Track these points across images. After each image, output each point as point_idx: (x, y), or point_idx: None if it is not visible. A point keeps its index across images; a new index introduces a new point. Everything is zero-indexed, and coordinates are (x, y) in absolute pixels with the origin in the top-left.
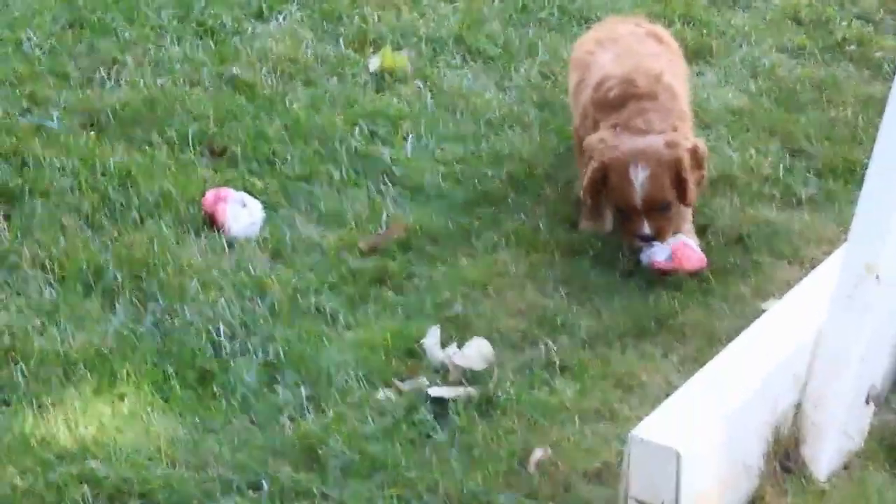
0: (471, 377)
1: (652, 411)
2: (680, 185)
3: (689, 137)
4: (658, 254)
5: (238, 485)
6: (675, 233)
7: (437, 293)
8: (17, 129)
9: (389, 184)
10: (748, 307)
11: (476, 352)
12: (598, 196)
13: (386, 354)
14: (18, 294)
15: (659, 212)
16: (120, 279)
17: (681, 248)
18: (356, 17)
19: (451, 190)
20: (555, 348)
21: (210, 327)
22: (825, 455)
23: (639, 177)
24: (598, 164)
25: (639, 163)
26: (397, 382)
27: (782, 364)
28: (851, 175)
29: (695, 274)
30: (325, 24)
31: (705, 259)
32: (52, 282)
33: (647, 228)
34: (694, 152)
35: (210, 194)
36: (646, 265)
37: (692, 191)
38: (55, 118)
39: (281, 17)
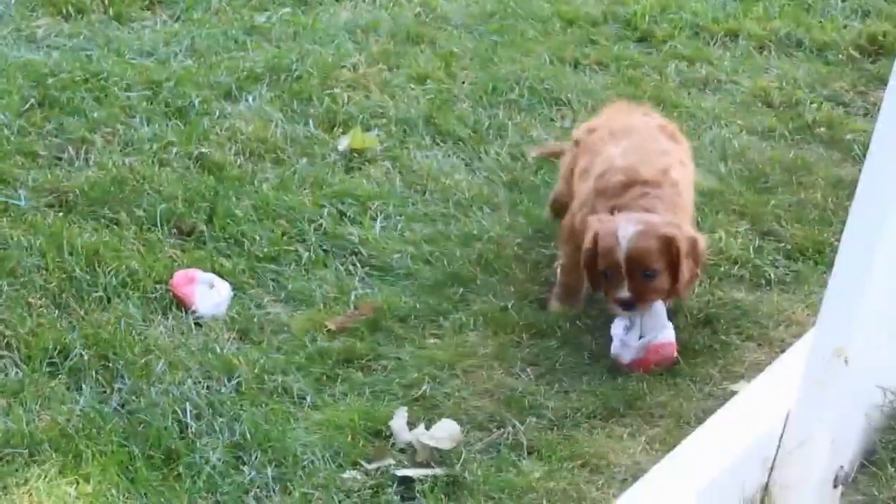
0: (438, 458)
1: (620, 493)
2: (673, 266)
3: (690, 229)
4: (625, 354)
5: None
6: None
7: (404, 374)
8: None
9: (358, 264)
10: (717, 389)
11: (444, 432)
12: (587, 270)
13: (353, 435)
14: None
15: (643, 277)
16: (86, 359)
17: (649, 354)
18: (326, 97)
19: (419, 270)
20: (522, 429)
21: (176, 407)
22: None
23: (627, 233)
24: (592, 234)
25: (630, 224)
26: (364, 463)
27: (751, 447)
28: (821, 256)
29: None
30: (294, 104)
31: (675, 353)
32: (18, 361)
33: (625, 291)
34: (694, 243)
35: (178, 275)
36: (613, 356)
37: (685, 279)
38: (22, 197)
39: (251, 98)
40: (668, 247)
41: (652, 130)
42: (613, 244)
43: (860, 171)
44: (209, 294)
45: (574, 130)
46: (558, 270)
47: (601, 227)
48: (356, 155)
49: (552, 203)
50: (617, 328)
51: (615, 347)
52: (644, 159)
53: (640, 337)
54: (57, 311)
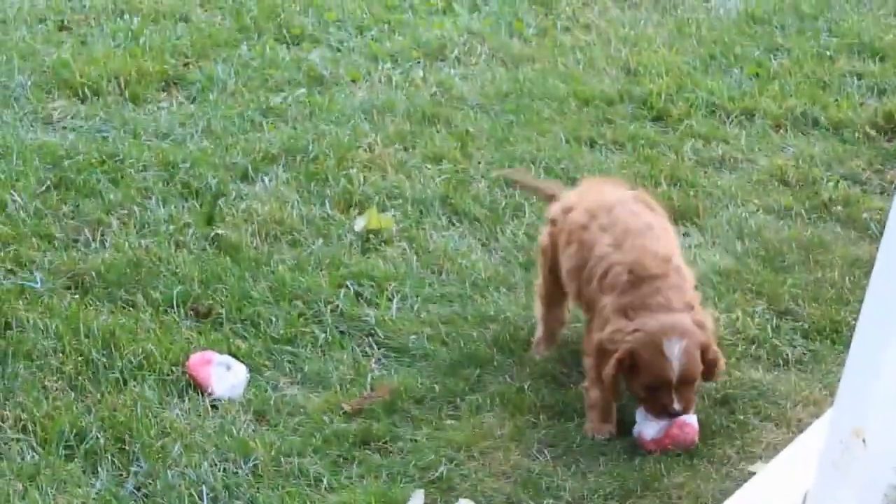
0: None
1: None
2: (707, 363)
3: (702, 313)
4: (648, 430)
5: None
6: None
7: (421, 455)
8: (0, 291)
9: (374, 345)
10: (735, 469)
11: None
12: (618, 388)
13: None
14: (0, 457)
15: (688, 386)
16: (102, 442)
17: (674, 429)
18: (342, 178)
19: (436, 351)
20: None
21: (192, 490)
22: None
23: (675, 351)
24: (624, 352)
25: (674, 337)
26: None
27: None
28: (838, 336)
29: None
30: (310, 185)
31: (696, 438)
32: (34, 444)
33: (677, 404)
34: (713, 331)
35: (194, 357)
36: (634, 437)
37: (720, 369)
38: (38, 280)
39: (266, 179)
40: (706, 352)
41: (628, 204)
42: (663, 363)
43: (877, 249)
44: (225, 376)
45: (551, 207)
46: (588, 393)
47: (638, 340)
48: (372, 236)
49: (544, 297)
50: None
51: (639, 425)
52: (643, 251)
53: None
54: (73, 394)
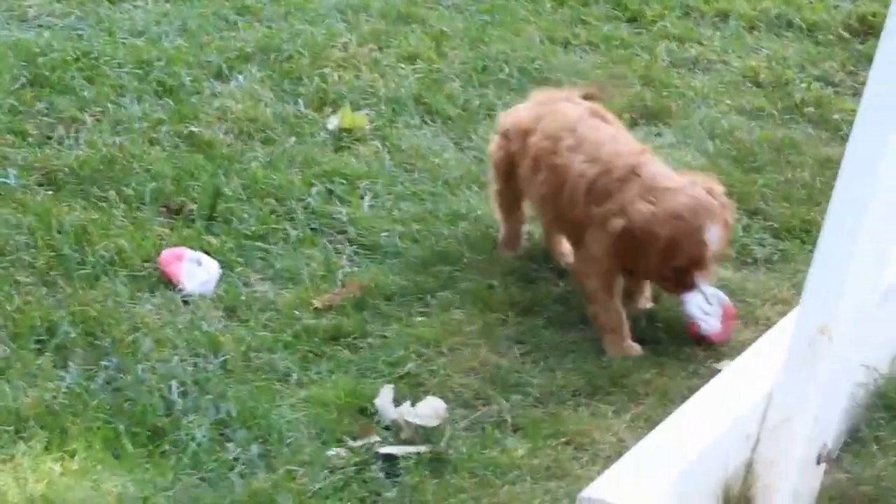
0: (423, 435)
1: (604, 470)
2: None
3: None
4: (712, 323)
5: None
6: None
7: (390, 351)
8: None
9: (346, 242)
10: (702, 367)
11: (429, 410)
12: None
13: (338, 412)
14: None
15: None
16: (73, 336)
17: (728, 307)
18: (316, 77)
19: (407, 249)
20: (507, 406)
21: (162, 385)
22: None
23: (713, 233)
24: (667, 238)
25: (709, 219)
26: (349, 440)
27: (734, 424)
28: (808, 235)
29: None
30: (284, 83)
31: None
32: (5, 339)
33: (703, 280)
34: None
35: (166, 253)
36: (702, 334)
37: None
38: (12, 176)
39: (241, 77)
40: (727, 223)
41: (587, 121)
42: (701, 245)
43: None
44: (197, 272)
45: (504, 118)
46: (598, 318)
47: (672, 227)
48: (346, 134)
49: (503, 204)
50: (692, 307)
51: (703, 325)
52: (620, 151)
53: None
54: (45, 289)
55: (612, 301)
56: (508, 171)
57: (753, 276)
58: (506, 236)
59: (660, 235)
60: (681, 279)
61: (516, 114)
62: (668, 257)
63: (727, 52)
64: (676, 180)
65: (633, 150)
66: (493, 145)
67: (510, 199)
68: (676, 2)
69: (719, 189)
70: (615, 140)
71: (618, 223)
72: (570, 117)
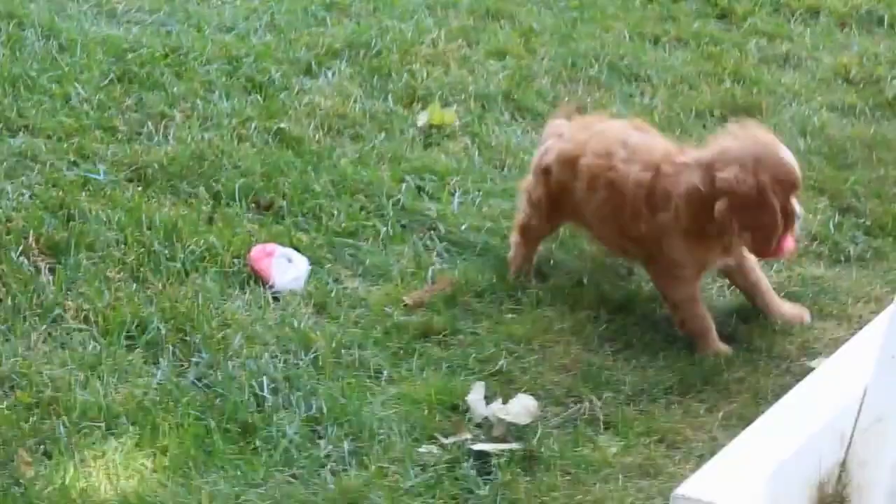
0: (515, 433)
1: (696, 468)
2: None
3: None
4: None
5: None
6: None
7: (481, 348)
8: (63, 183)
9: (436, 239)
10: (795, 365)
11: (520, 407)
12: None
13: (429, 409)
14: (62, 347)
15: None
16: (164, 333)
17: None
18: (405, 73)
19: (497, 246)
20: (599, 404)
21: (253, 381)
22: None
23: (789, 153)
24: (751, 185)
25: (779, 144)
26: (440, 437)
27: (828, 423)
28: None
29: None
30: (373, 79)
31: None
32: (96, 335)
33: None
34: None
35: (256, 249)
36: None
37: None
38: (102, 172)
39: (330, 73)
40: None
41: (634, 134)
42: (789, 165)
43: None
44: (287, 268)
45: (541, 157)
46: (689, 325)
47: (762, 158)
48: (435, 130)
49: (533, 238)
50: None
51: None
52: (669, 149)
53: None
54: (135, 286)
55: (699, 306)
56: (552, 206)
57: (846, 274)
58: (522, 262)
59: (758, 180)
60: (789, 213)
61: (556, 149)
62: (779, 194)
63: (818, 48)
64: (716, 145)
65: (674, 150)
66: (530, 184)
67: (540, 234)
68: None
69: None
70: (662, 143)
71: (721, 204)
72: (618, 132)
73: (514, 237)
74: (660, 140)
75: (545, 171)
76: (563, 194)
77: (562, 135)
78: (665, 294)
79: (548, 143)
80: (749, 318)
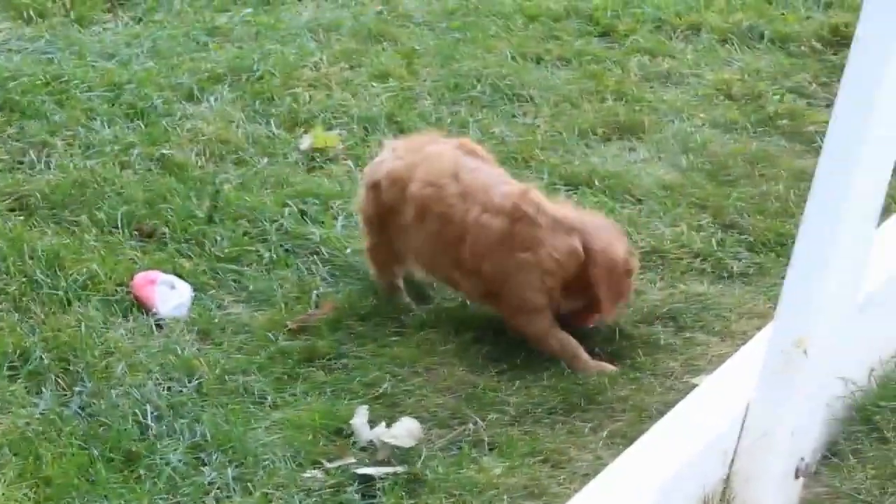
0: (399, 456)
1: (581, 487)
2: None
3: None
4: None
5: None
6: None
7: (365, 372)
8: None
9: (319, 263)
10: (679, 382)
11: (404, 430)
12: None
13: (314, 434)
14: None
15: None
16: (46, 362)
17: None
18: (288, 97)
19: None
20: (483, 425)
21: (137, 409)
22: None
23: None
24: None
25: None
26: (325, 462)
27: (712, 440)
28: (783, 249)
29: None
30: (256, 104)
31: None
32: None
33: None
34: None
35: (139, 277)
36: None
37: None
38: None
39: (212, 99)
40: None
41: (466, 162)
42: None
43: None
44: (170, 295)
45: (372, 171)
46: (552, 345)
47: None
48: (318, 154)
49: (383, 261)
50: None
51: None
52: (514, 194)
53: None
54: (17, 315)
55: (558, 332)
56: (383, 224)
57: (729, 290)
58: (387, 289)
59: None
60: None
61: (386, 165)
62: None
63: (700, 65)
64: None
65: (519, 189)
66: (363, 200)
67: (385, 254)
68: (648, 16)
69: None
70: (501, 181)
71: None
72: (449, 161)
73: (369, 266)
74: (488, 170)
75: (374, 187)
76: (390, 215)
77: (395, 149)
78: (523, 331)
79: (380, 156)
80: (632, 335)
